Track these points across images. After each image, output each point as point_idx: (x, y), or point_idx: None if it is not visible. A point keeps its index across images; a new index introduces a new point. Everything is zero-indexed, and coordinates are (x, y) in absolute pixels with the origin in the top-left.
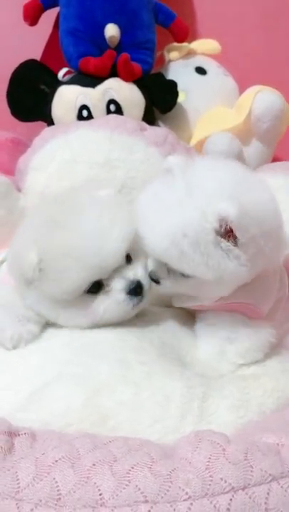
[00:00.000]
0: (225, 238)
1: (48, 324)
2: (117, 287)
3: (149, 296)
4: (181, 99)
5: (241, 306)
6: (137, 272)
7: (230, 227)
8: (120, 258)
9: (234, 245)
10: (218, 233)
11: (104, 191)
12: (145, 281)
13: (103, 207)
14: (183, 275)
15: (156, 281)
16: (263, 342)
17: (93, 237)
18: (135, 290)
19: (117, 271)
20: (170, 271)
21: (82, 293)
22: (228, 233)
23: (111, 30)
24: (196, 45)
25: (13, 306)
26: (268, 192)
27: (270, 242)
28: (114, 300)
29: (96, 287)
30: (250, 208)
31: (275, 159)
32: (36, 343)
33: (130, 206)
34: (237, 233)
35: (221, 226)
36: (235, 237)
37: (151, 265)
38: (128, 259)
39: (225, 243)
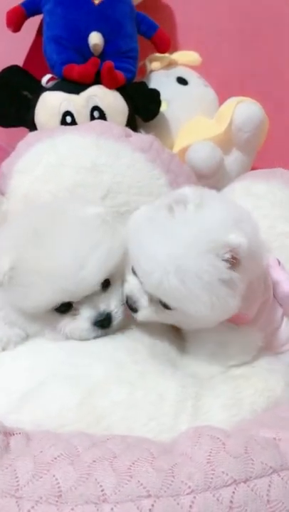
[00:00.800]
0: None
1: None
2: (85, 315)
3: (119, 324)
4: (163, 108)
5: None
6: (110, 303)
7: (235, 257)
8: (94, 287)
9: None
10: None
11: (92, 209)
12: (117, 315)
13: (86, 230)
14: (167, 307)
15: (134, 310)
16: (251, 345)
17: (68, 262)
18: (102, 322)
19: (89, 297)
20: (152, 300)
21: (51, 310)
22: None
23: (94, 38)
24: (177, 56)
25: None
26: (251, 218)
27: (256, 262)
28: (78, 326)
29: (66, 307)
30: (249, 237)
31: (252, 168)
32: (27, 344)
33: (117, 229)
34: (244, 262)
35: (231, 256)
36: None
37: (131, 288)
38: (106, 284)
39: (234, 273)
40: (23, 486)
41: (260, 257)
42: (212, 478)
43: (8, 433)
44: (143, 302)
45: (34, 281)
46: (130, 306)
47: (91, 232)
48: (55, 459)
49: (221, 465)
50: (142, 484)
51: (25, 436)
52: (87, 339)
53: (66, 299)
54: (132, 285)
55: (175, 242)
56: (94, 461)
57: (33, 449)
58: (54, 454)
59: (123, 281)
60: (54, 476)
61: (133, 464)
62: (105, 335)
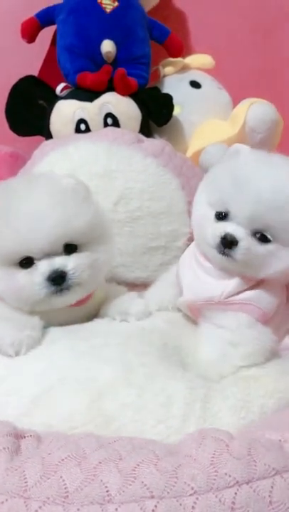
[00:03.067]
0: None
1: (46, 330)
2: (40, 269)
3: (79, 292)
4: (176, 112)
5: (246, 305)
6: (66, 263)
7: None
8: (52, 245)
9: None
10: None
11: (66, 180)
12: (73, 276)
13: (54, 192)
14: (264, 240)
15: (232, 243)
16: (265, 347)
17: (31, 214)
18: (54, 279)
19: (50, 257)
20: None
21: (14, 263)
22: None
23: (107, 46)
24: (190, 59)
25: (8, 316)
26: None
27: None
28: (31, 279)
29: (27, 263)
30: None
31: None
32: (38, 349)
33: (89, 201)
34: None
35: None
36: None
37: (223, 229)
38: (70, 249)
39: None
40: (31, 487)
41: None
42: (215, 479)
43: (20, 435)
44: (240, 234)
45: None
46: (229, 243)
47: (58, 195)
48: (63, 460)
49: (224, 466)
50: (145, 485)
51: (36, 439)
52: (39, 296)
53: (26, 253)
54: (221, 227)
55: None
56: (100, 463)
57: (42, 451)
58: (62, 455)
59: (93, 251)
60: (61, 477)
61: (138, 465)
62: (60, 295)
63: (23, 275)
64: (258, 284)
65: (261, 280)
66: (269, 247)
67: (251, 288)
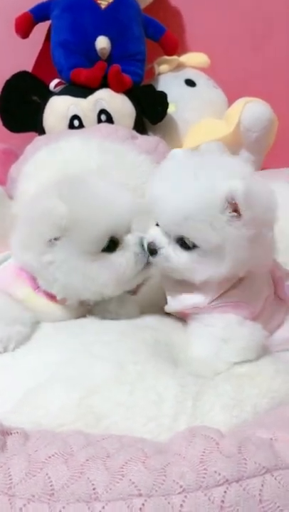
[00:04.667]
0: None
1: (36, 326)
2: (132, 241)
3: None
4: (171, 110)
5: (233, 305)
6: (141, 234)
7: (235, 203)
8: (129, 217)
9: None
10: (225, 206)
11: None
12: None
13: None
14: (185, 247)
15: (154, 252)
16: (256, 342)
17: (113, 195)
18: (147, 246)
19: (126, 234)
20: (171, 242)
21: (102, 250)
22: (233, 209)
23: (102, 42)
24: (185, 58)
25: None
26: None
27: (269, 234)
28: (131, 252)
29: (112, 246)
30: (256, 191)
31: (263, 169)
32: (27, 345)
33: None
34: (241, 208)
35: (228, 201)
36: (239, 214)
37: (152, 235)
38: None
39: (230, 213)
40: (16, 484)
41: (271, 237)
42: (204, 477)
43: (6, 432)
44: (163, 242)
45: (93, 213)
46: (151, 250)
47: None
48: (50, 457)
49: (213, 464)
50: (133, 483)
51: (23, 436)
52: (138, 269)
53: (115, 229)
54: (152, 233)
55: (180, 187)
56: (87, 460)
57: (29, 448)
58: (48, 452)
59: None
60: (47, 474)
61: (126, 463)
62: (148, 271)
63: (117, 256)
64: (239, 281)
65: (241, 277)
66: (192, 254)
67: (234, 287)
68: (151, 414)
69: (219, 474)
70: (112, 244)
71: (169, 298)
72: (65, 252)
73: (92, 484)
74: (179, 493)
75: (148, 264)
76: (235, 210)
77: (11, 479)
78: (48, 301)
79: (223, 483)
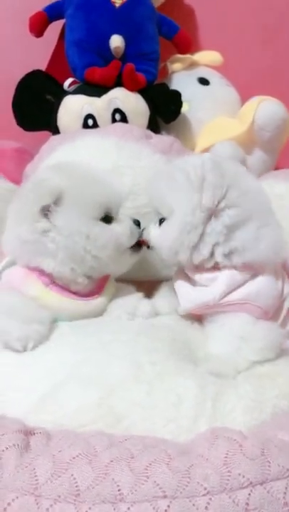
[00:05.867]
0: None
1: (54, 325)
2: (126, 218)
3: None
4: (184, 109)
5: (245, 306)
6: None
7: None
8: (120, 199)
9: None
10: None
11: None
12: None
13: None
14: (160, 221)
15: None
16: (274, 341)
17: (108, 177)
18: (138, 223)
19: (118, 213)
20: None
21: (99, 219)
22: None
23: (116, 41)
24: (198, 56)
25: (15, 310)
26: (260, 186)
27: (257, 225)
28: (126, 224)
29: (108, 219)
30: (231, 171)
31: (276, 168)
32: (46, 344)
33: None
34: (206, 176)
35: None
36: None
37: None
38: None
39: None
40: (42, 485)
41: (266, 229)
42: (228, 479)
43: (29, 432)
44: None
45: (90, 185)
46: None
47: None
48: (74, 458)
49: (237, 467)
50: (158, 485)
51: (45, 436)
52: (131, 242)
53: (109, 206)
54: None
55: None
56: (111, 461)
57: (53, 448)
58: (73, 453)
59: None
60: (72, 475)
61: (150, 464)
62: (139, 252)
63: (114, 226)
64: (251, 277)
65: (253, 274)
66: (161, 226)
67: (243, 284)
68: (170, 415)
69: (243, 477)
70: (108, 218)
71: (180, 300)
72: (66, 216)
73: (118, 485)
74: (204, 495)
75: (139, 244)
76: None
77: (36, 480)
78: (61, 296)
79: (247, 486)
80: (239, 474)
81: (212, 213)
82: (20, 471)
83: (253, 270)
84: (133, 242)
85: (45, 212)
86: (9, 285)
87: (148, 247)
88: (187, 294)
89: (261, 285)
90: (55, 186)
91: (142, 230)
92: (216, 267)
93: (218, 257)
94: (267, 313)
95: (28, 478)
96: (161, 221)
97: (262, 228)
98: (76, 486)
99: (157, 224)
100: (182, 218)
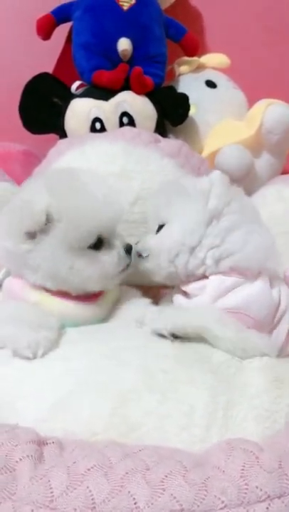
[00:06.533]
0: None
1: (63, 331)
2: (118, 244)
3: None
4: (191, 112)
5: (236, 316)
6: (124, 239)
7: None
8: (118, 219)
9: None
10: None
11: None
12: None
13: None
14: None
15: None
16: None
17: (104, 196)
18: (129, 249)
19: (112, 236)
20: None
21: (88, 247)
22: None
23: (123, 44)
24: (205, 59)
25: (23, 317)
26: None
27: (247, 230)
28: (116, 253)
29: (98, 244)
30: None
31: (284, 172)
32: (55, 351)
33: None
34: (214, 184)
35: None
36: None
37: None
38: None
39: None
40: (57, 497)
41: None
42: (246, 493)
43: (42, 442)
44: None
45: (81, 212)
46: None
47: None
48: (89, 470)
49: (254, 480)
50: (175, 498)
51: (58, 446)
52: (119, 269)
53: (102, 230)
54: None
55: None
56: (127, 473)
57: (67, 460)
58: (87, 465)
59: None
60: (88, 487)
61: (166, 476)
62: (126, 271)
63: (104, 253)
64: (242, 284)
65: (244, 281)
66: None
67: (233, 288)
68: (183, 425)
69: (261, 490)
70: (99, 243)
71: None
72: (52, 244)
73: (134, 498)
74: (221, 508)
75: (127, 266)
76: None
77: (52, 492)
78: (61, 299)
79: (265, 500)
80: (257, 487)
81: (214, 217)
82: (35, 483)
83: (241, 275)
84: (120, 269)
85: (30, 236)
86: (11, 293)
87: (139, 255)
88: (179, 305)
89: (253, 293)
90: (42, 212)
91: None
92: (204, 276)
93: (209, 261)
94: (260, 324)
95: (43, 490)
96: (160, 228)
97: (250, 234)
98: (92, 499)
99: (154, 233)
100: (186, 220)
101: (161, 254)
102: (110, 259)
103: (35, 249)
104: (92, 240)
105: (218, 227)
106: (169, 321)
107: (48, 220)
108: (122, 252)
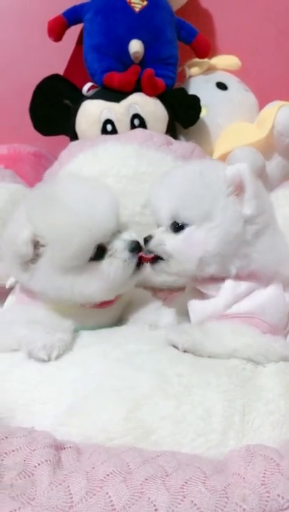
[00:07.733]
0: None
1: (77, 335)
2: (120, 247)
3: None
4: (202, 114)
5: (251, 320)
6: (131, 234)
7: (240, 182)
8: (114, 219)
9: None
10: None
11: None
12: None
13: (90, 183)
14: (176, 230)
15: (149, 238)
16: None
17: (88, 203)
18: (135, 248)
19: (114, 236)
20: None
21: (89, 260)
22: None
23: (135, 46)
24: (216, 60)
25: (37, 320)
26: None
27: (274, 238)
28: (120, 259)
29: (100, 253)
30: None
31: None
32: (70, 354)
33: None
34: (246, 184)
35: (235, 179)
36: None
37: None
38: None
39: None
40: (77, 503)
41: (277, 245)
42: (267, 501)
43: (60, 447)
44: (156, 232)
45: (69, 232)
46: (146, 238)
47: (94, 183)
48: (108, 475)
49: (276, 487)
50: (195, 505)
51: (75, 450)
52: (129, 274)
53: (99, 240)
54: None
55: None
56: (146, 479)
57: (85, 465)
58: (106, 470)
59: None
60: (107, 493)
61: (186, 483)
62: (141, 271)
63: (107, 264)
64: (256, 289)
65: (258, 286)
66: (182, 233)
67: (248, 294)
68: (199, 430)
69: (283, 498)
70: (100, 251)
71: (191, 314)
72: (46, 269)
73: (154, 505)
74: None
75: (139, 267)
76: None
77: (71, 498)
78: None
79: (286, 508)
80: (278, 495)
81: (247, 222)
82: (55, 489)
83: (256, 280)
84: (130, 272)
85: (25, 267)
86: (24, 296)
87: (155, 258)
88: (194, 308)
89: (268, 298)
90: (26, 244)
91: (139, 251)
92: (220, 278)
93: (233, 268)
94: (274, 329)
95: (62, 496)
96: (178, 229)
97: (273, 237)
98: (112, 505)
99: (170, 232)
100: (223, 230)
101: (189, 261)
102: (114, 267)
103: (34, 277)
104: (90, 253)
105: (250, 233)
106: (185, 338)
107: (36, 248)
108: (126, 254)
